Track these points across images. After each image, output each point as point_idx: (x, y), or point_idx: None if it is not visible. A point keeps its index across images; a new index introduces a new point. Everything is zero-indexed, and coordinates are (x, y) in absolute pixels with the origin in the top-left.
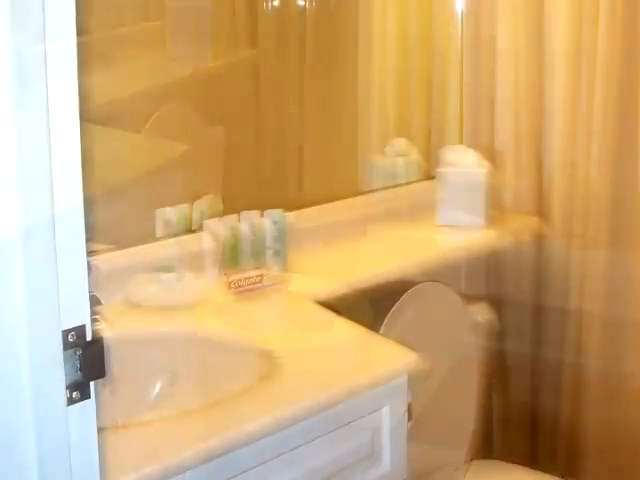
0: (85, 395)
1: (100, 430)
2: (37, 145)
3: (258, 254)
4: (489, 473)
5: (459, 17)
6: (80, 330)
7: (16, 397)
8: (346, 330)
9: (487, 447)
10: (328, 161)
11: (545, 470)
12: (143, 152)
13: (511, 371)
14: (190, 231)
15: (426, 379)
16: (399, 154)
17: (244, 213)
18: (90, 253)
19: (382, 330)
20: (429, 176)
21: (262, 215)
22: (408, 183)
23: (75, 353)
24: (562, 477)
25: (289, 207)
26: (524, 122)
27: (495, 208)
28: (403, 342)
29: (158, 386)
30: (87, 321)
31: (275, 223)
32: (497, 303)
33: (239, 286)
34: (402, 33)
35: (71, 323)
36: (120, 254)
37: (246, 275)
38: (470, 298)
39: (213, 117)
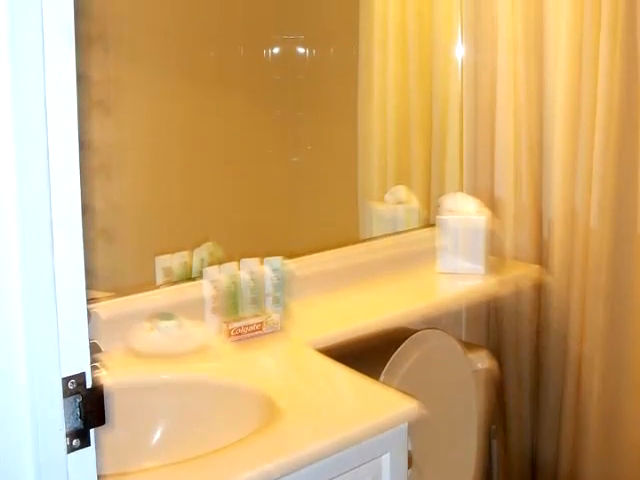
0: (85, 443)
1: (100, 478)
2: (37, 193)
3: (258, 301)
4: None
5: (459, 64)
6: (80, 377)
7: (16, 444)
8: (346, 378)
9: None
10: (328, 208)
11: None
12: (144, 199)
13: (511, 417)
14: (190, 278)
15: (426, 426)
16: (399, 201)
17: (244, 261)
18: (90, 300)
19: (382, 377)
20: (429, 223)
21: (262, 263)
22: (408, 230)
23: (75, 400)
24: None
25: (289, 255)
26: (524, 170)
27: (495, 255)
28: (403, 389)
29: (158, 433)
30: (87, 369)
31: (275, 271)
32: (497, 350)
33: (239, 333)
34: (402, 80)
35: (71, 370)
36: (120, 301)
37: (246, 322)
38: (470, 345)
39: (213, 163)
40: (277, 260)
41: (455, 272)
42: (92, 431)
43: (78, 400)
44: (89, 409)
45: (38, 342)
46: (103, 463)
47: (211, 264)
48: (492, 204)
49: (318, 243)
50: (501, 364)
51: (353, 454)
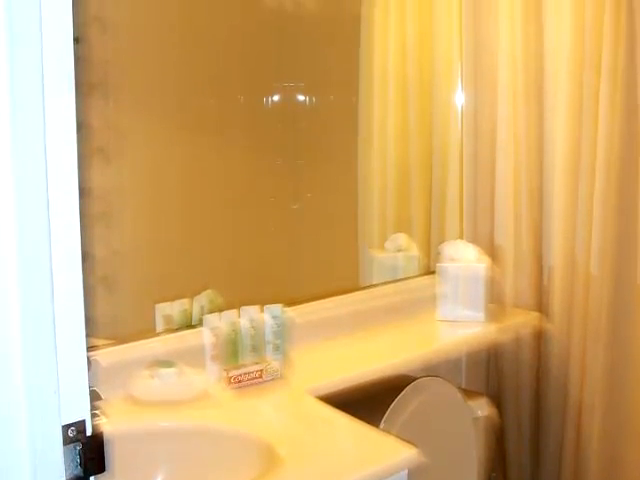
0: None
1: None
2: (37, 241)
3: (258, 349)
4: None
5: (459, 112)
6: (80, 425)
7: None
8: (346, 425)
9: None
10: (328, 255)
11: None
12: (144, 246)
13: (511, 464)
14: (190, 326)
15: (427, 474)
16: (399, 249)
17: (244, 308)
18: (90, 348)
19: (382, 425)
20: (429, 271)
21: (262, 310)
22: (408, 278)
23: (75, 448)
24: None
25: (289, 302)
26: (524, 217)
27: (495, 303)
28: (403, 437)
29: None
30: (87, 416)
31: (275, 318)
32: (497, 396)
33: (239, 381)
34: (402, 128)
35: (71, 418)
36: (120, 349)
37: (246, 370)
38: (470, 392)
39: (213, 210)
40: (277, 307)
41: (455, 319)
42: (92, 479)
43: (78, 448)
44: (89, 456)
45: (38, 389)
46: None
47: (211, 311)
48: (492, 251)
49: (318, 290)
50: (501, 411)
51: None
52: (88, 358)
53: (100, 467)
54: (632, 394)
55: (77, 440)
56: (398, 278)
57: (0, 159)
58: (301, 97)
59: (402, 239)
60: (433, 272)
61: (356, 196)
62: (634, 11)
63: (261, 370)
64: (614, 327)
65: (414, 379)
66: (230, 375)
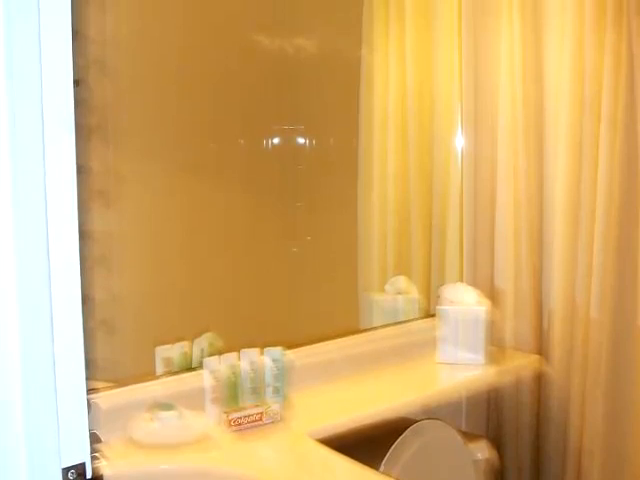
0: None
1: None
2: (37, 284)
3: (258, 392)
4: None
5: (459, 155)
6: (80, 468)
7: None
8: (346, 468)
9: None
10: (328, 298)
11: None
12: (144, 289)
13: None
14: (190, 369)
15: None
16: (399, 292)
17: (244, 351)
18: (90, 391)
19: (382, 468)
20: (429, 314)
21: (262, 353)
22: (408, 321)
23: None
24: None
25: (289, 344)
26: (524, 260)
27: (495, 345)
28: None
29: None
30: (87, 459)
31: (275, 361)
32: (497, 440)
33: (239, 424)
34: (402, 171)
35: (71, 461)
36: (120, 392)
37: (246, 413)
38: (470, 435)
39: (213, 253)
40: (277, 350)
41: (455, 362)
42: None
43: None
44: None
45: (38, 432)
46: None
47: (211, 354)
48: (492, 294)
49: (318, 333)
50: (501, 454)
51: None
52: (88, 401)
53: None
54: (632, 439)
55: None
56: (398, 321)
57: (0, 202)
58: (301, 140)
59: (402, 282)
60: (433, 315)
61: (356, 238)
62: (634, 56)
63: (261, 413)
64: (614, 370)
65: (414, 422)
66: (230, 418)
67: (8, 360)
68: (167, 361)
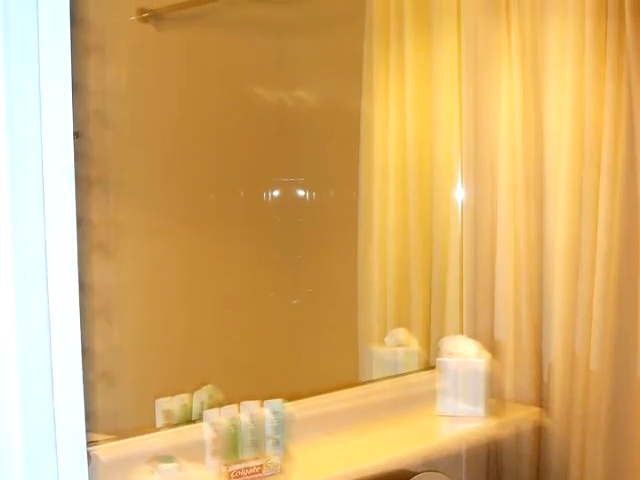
0: None
1: None
2: (37, 337)
3: (258, 444)
4: None
5: (459, 207)
6: None
7: None
8: None
9: None
10: (328, 350)
11: None
12: (144, 341)
13: None
14: (190, 421)
15: None
16: (399, 344)
17: (244, 403)
18: (90, 443)
19: None
20: (429, 366)
21: (262, 405)
22: (408, 373)
23: None
24: None
25: (289, 396)
26: (524, 312)
27: (495, 398)
28: None
29: None
30: None
31: (275, 413)
32: None
33: (239, 476)
34: (402, 223)
35: None
36: (120, 444)
37: (246, 465)
38: None
39: (213, 304)
40: (277, 403)
41: (455, 415)
42: None
43: None
44: None
45: None
46: None
47: (211, 407)
48: (492, 346)
49: (318, 385)
50: None
51: None
52: (88, 453)
53: None
54: None
55: None
56: (398, 373)
57: (1, 254)
58: (301, 192)
59: (402, 334)
60: (433, 367)
61: (356, 290)
62: (634, 107)
63: (261, 465)
64: (614, 422)
65: (414, 474)
66: (230, 470)
67: (9, 412)
68: (167, 413)
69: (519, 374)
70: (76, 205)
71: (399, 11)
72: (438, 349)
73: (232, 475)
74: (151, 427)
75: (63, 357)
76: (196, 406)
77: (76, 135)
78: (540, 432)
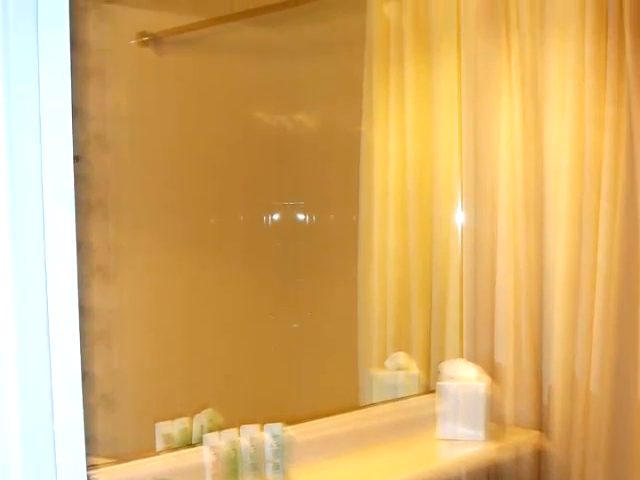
0: None
1: None
2: (37, 362)
3: (258, 468)
4: None
5: (459, 231)
6: None
7: None
8: None
9: None
10: (328, 374)
11: None
12: (144, 365)
13: None
14: (190, 445)
15: None
16: (399, 368)
17: (244, 427)
18: (90, 467)
19: None
20: (429, 389)
21: (262, 429)
22: (408, 397)
23: None
24: None
25: (289, 420)
26: (524, 336)
27: (495, 421)
28: None
29: None
30: None
31: (275, 437)
32: None
33: None
34: (402, 246)
35: None
36: (120, 468)
37: None
38: None
39: (213, 328)
40: (277, 426)
41: (455, 438)
42: None
43: None
44: None
45: None
46: None
47: (211, 430)
48: (492, 370)
49: (318, 408)
50: None
51: None
52: (88, 477)
53: None
54: None
55: None
56: (398, 397)
57: (1, 278)
58: (301, 216)
59: (402, 358)
60: (433, 391)
61: (356, 314)
62: (634, 131)
63: None
64: (614, 446)
65: None
66: None
67: (9, 435)
68: (167, 437)
69: (519, 398)
70: (76, 229)
71: (399, 35)
72: (438, 373)
73: None
74: (151, 451)
75: (63, 381)
76: (196, 430)
77: (76, 159)
78: (540, 456)
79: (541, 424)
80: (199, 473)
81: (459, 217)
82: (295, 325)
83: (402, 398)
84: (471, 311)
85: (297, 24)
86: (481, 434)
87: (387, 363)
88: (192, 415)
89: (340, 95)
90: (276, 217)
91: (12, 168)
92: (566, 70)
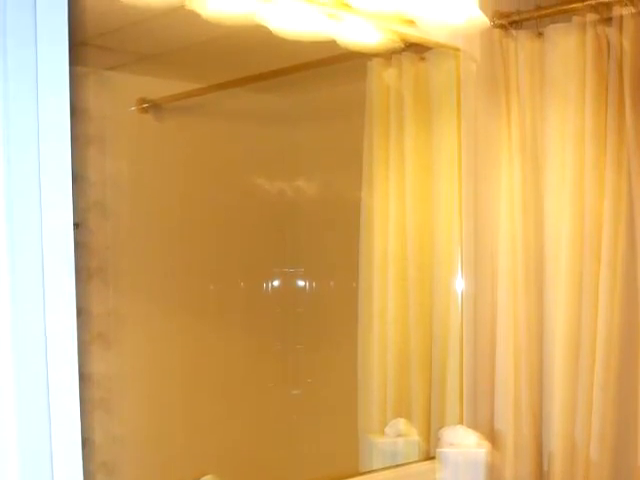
0: None
1: None
2: (37, 428)
3: None
4: None
5: (459, 297)
6: None
7: None
8: None
9: None
10: (328, 441)
11: None
12: (143, 431)
13: None
14: None
15: None
16: (399, 434)
17: None
18: None
19: None
20: (429, 456)
21: None
22: (408, 463)
23: None
24: None
25: None
26: (524, 403)
27: None
28: None
29: None
30: None
31: None
32: None
33: None
34: (402, 313)
35: None
36: None
37: None
38: None
39: (212, 395)
40: None
41: None
42: None
43: None
44: None
45: None
46: None
47: None
48: (492, 437)
49: (318, 475)
50: None
51: None
52: None
53: None
54: None
55: None
56: (398, 463)
57: (2, 345)
58: (301, 282)
59: (402, 424)
60: (433, 457)
61: (356, 381)
62: (634, 198)
63: None
64: None
65: None
66: None
67: None
68: None
69: (519, 464)
70: (76, 295)
71: (399, 101)
72: (438, 439)
73: None
74: None
75: (63, 447)
76: None
77: (76, 226)
78: None
79: None
80: None
81: (459, 283)
82: (295, 391)
83: (402, 464)
84: (471, 377)
85: (297, 91)
86: None
87: (387, 429)
88: None
89: (340, 161)
90: (276, 283)
91: (12, 235)
92: (566, 135)
